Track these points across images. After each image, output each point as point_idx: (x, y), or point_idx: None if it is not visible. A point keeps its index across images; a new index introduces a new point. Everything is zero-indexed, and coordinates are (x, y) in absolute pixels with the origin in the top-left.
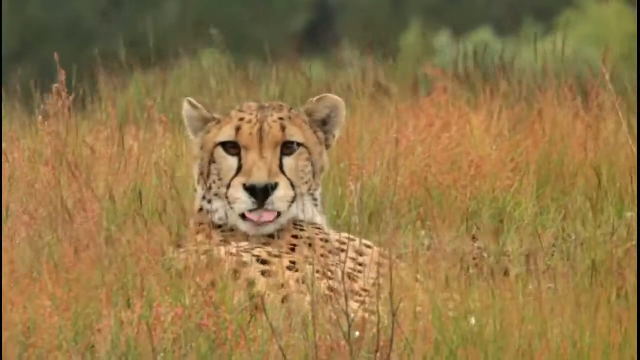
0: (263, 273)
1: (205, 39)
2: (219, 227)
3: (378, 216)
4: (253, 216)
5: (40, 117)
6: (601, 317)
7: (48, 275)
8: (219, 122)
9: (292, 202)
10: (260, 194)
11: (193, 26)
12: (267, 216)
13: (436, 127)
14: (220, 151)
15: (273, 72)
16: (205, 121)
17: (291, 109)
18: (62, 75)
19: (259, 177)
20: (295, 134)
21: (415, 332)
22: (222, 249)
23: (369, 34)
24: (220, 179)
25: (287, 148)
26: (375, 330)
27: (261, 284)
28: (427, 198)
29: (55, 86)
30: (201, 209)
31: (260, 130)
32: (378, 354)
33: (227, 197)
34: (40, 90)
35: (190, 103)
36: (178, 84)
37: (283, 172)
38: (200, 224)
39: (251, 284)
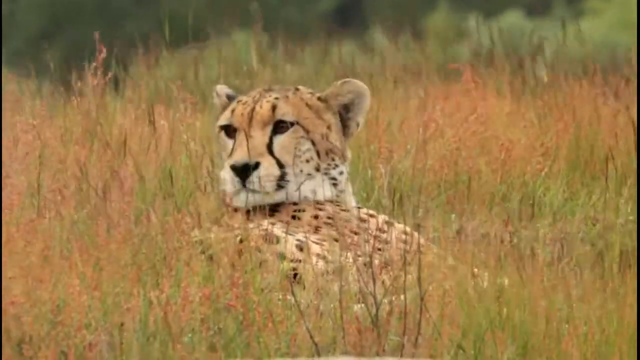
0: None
1: (238, 18)
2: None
3: (407, 199)
4: (235, 200)
5: (75, 95)
6: (629, 304)
7: (78, 254)
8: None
9: (281, 180)
10: (241, 173)
11: (226, 6)
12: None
13: (465, 112)
14: (222, 134)
15: (303, 54)
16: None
17: (297, 90)
18: (101, 54)
19: (238, 157)
20: (287, 113)
21: (443, 316)
22: (255, 230)
23: (397, 16)
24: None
25: (279, 127)
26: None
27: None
28: (457, 181)
29: (93, 65)
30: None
31: (252, 110)
32: (405, 337)
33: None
34: (69, 69)
35: (215, 91)
36: (211, 64)
37: (271, 151)
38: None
39: (281, 256)
